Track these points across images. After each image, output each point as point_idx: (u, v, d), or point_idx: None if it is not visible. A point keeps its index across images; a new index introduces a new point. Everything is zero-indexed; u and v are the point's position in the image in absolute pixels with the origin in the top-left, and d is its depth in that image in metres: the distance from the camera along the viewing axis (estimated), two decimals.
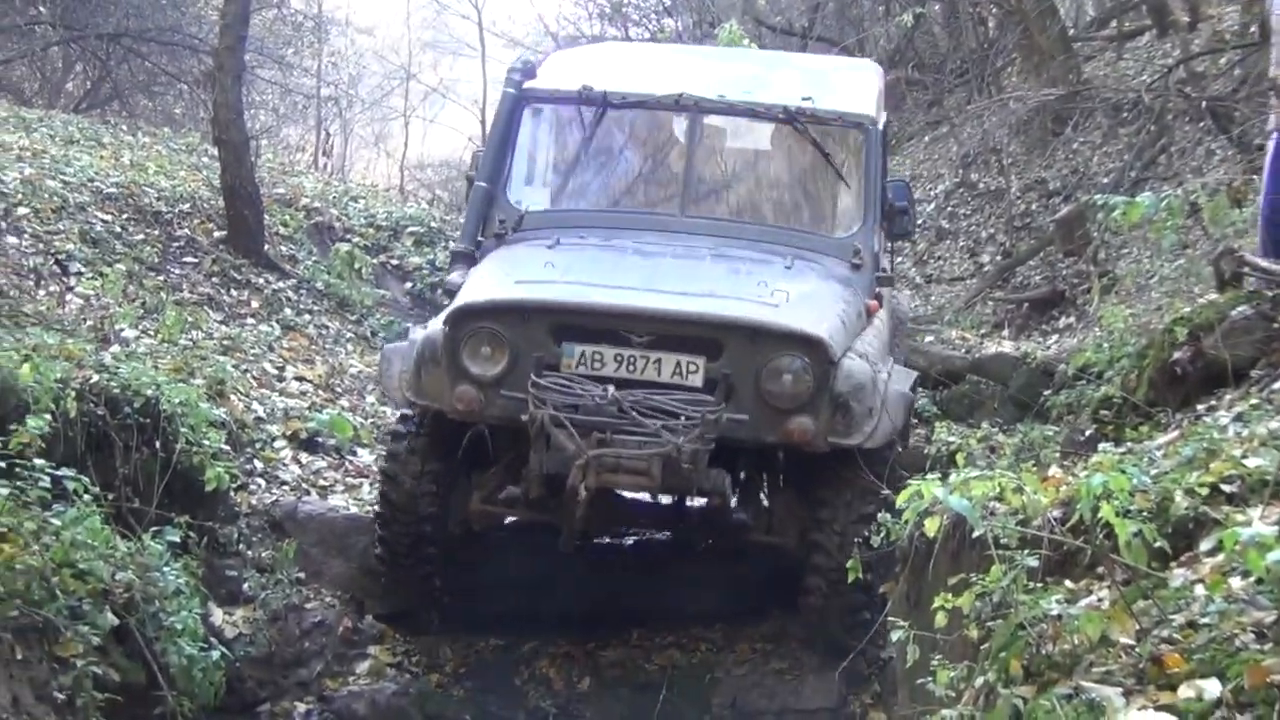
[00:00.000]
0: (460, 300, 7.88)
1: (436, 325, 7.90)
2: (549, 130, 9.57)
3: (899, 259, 17.40)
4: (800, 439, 7.52)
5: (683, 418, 7.32)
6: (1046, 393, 10.19)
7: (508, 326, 7.67)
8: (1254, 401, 6.60)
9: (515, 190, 9.17)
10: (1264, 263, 7.61)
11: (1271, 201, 8.09)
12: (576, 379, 7.49)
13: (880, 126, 9.25)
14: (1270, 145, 8.27)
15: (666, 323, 7.59)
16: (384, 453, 8.75)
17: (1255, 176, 10.99)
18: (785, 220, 9.27)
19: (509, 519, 8.66)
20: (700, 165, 9.16)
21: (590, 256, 8.43)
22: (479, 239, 8.92)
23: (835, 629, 7.80)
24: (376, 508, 8.53)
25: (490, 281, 8.10)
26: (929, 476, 5.14)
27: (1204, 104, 14.50)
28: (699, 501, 8.17)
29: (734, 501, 8.12)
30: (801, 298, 7.94)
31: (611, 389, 7.37)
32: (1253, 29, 14.71)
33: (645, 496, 8.27)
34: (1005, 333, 14.34)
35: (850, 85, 9.64)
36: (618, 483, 7.43)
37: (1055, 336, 13.44)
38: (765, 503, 8.53)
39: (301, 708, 8.37)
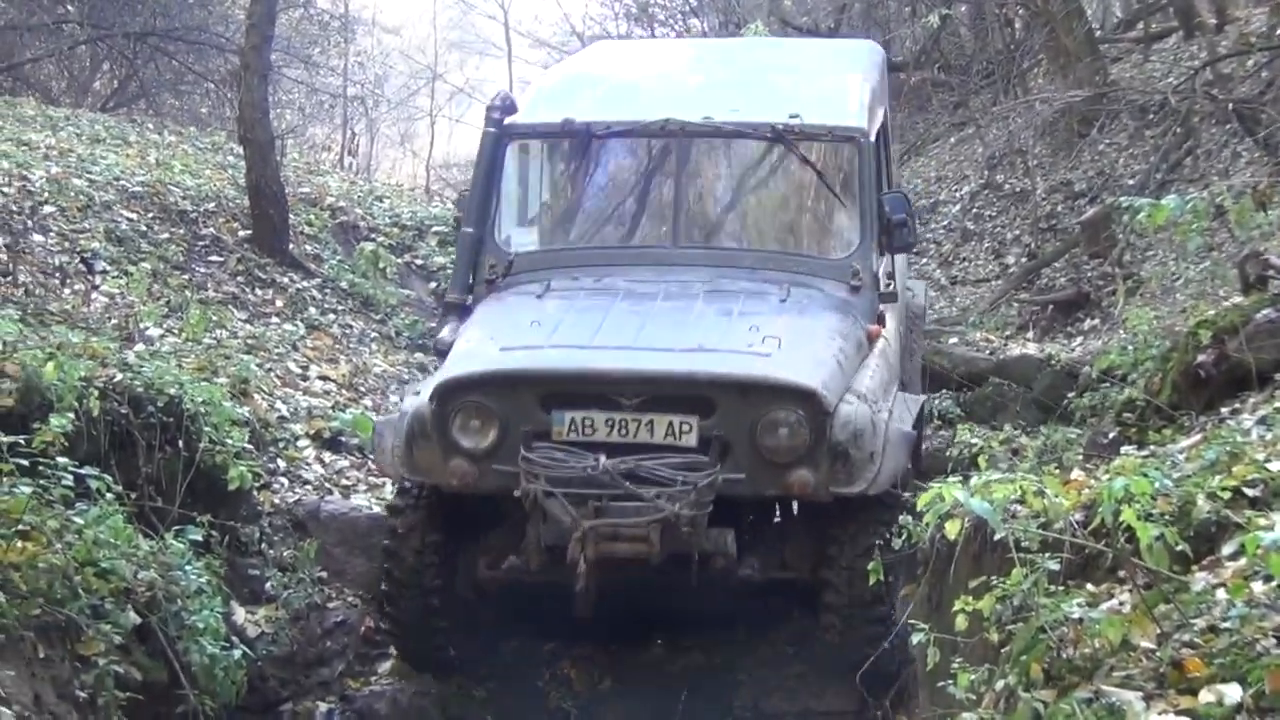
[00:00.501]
0: (446, 374, 7.71)
1: (424, 400, 7.68)
2: (534, 166, 9.43)
3: (923, 260, 17.42)
4: (801, 492, 7.35)
5: (678, 482, 7.14)
6: (1070, 395, 10.21)
7: (495, 398, 7.50)
8: (1278, 405, 6.59)
9: (505, 231, 8.99)
10: None
11: None
12: (567, 448, 7.28)
13: (873, 137, 8.93)
14: None
15: (655, 384, 7.39)
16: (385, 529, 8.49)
17: None
18: (780, 244, 9.11)
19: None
20: (690, 192, 8.96)
21: (579, 308, 8.16)
22: (470, 286, 8.75)
23: (856, 655, 7.67)
24: (382, 584, 8.27)
25: (476, 349, 7.90)
26: (951, 479, 5.13)
27: (1231, 106, 14.46)
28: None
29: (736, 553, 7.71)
30: (795, 341, 7.68)
31: (603, 459, 7.16)
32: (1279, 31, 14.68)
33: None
34: (1030, 335, 14.31)
35: (840, 92, 9.30)
36: (617, 551, 7.18)
37: (1080, 339, 13.42)
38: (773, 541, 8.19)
39: (323, 707, 8.37)
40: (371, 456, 9.49)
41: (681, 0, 28.71)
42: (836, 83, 9.54)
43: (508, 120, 8.96)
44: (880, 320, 8.54)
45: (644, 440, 7.28)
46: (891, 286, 8.81)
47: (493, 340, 7.83)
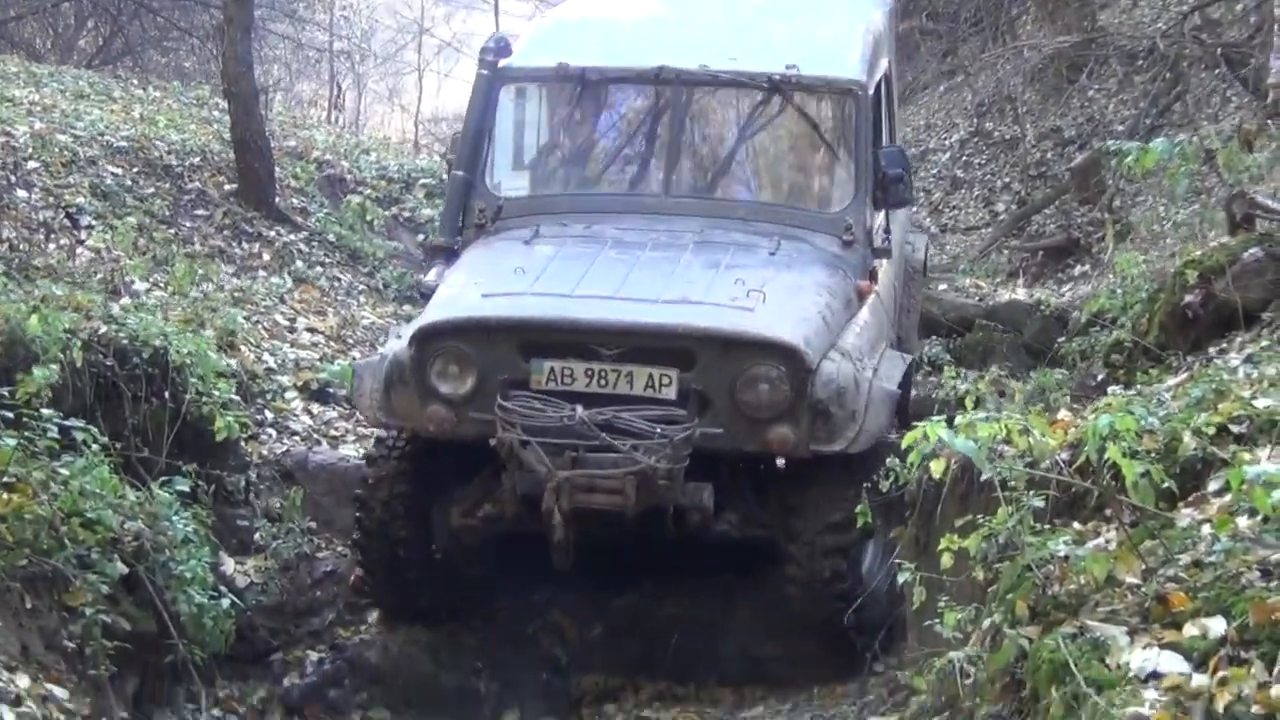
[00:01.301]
0: (424, 319, 7.67)
1: (403, 344, 7.62)
2: (527, 110, 9.28)
3: (913, 209, 17.35)
4: (780, 449, 7.30)
5: (656, 435, 7.07)
6: (1060, 340, 10.17)
7: (474, 345, 7.43)
8: (1265, 343, 6.60)
9: (496, 176, 8.87)
10: (1275, 204, 7.57)
11: None
12: (545, 397, 7.23)
13: (872, 90, 8.74)
14: None
15: (635, 335, 7.31)
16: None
17: (1270, 122, 10.96)
18: (773, 196, 8.98)
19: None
20: (683, 141, 8.82)
21: (565, 255, 8.10)
22: (459, 230, 8.68)
23: (820, 626, 7.61)
24: (354, 533, 8.23)
25: (457, 294, 7.84)
26: (935, 419, 5.13)
27: (1219, 50, 14.42)
28: None
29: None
30: (780, 296, 7.56)
31: (580, 409, 7.11)
32: None
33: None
34: (1020, 281, 14.30)
35: (841, 43, 9.10)
36: (592, 502, 7.11)
37: (1070, 284, 13.42)
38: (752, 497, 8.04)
39: (314, 656, 8.37)
40: (351, 402, 9.44)
41: None
42: (837, 33, 9.37)
43: (501, 63, 8.86)
44: (872, 276, 8.42)
45: (623, 391, 7.23)
46: (886, 242, 8.75)
47: (475, 286, 7.76)
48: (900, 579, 5.77)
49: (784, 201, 8.82)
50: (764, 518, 7.77)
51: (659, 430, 7.07)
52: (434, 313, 7.66)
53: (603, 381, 7.24)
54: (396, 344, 7.72)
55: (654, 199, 8.64)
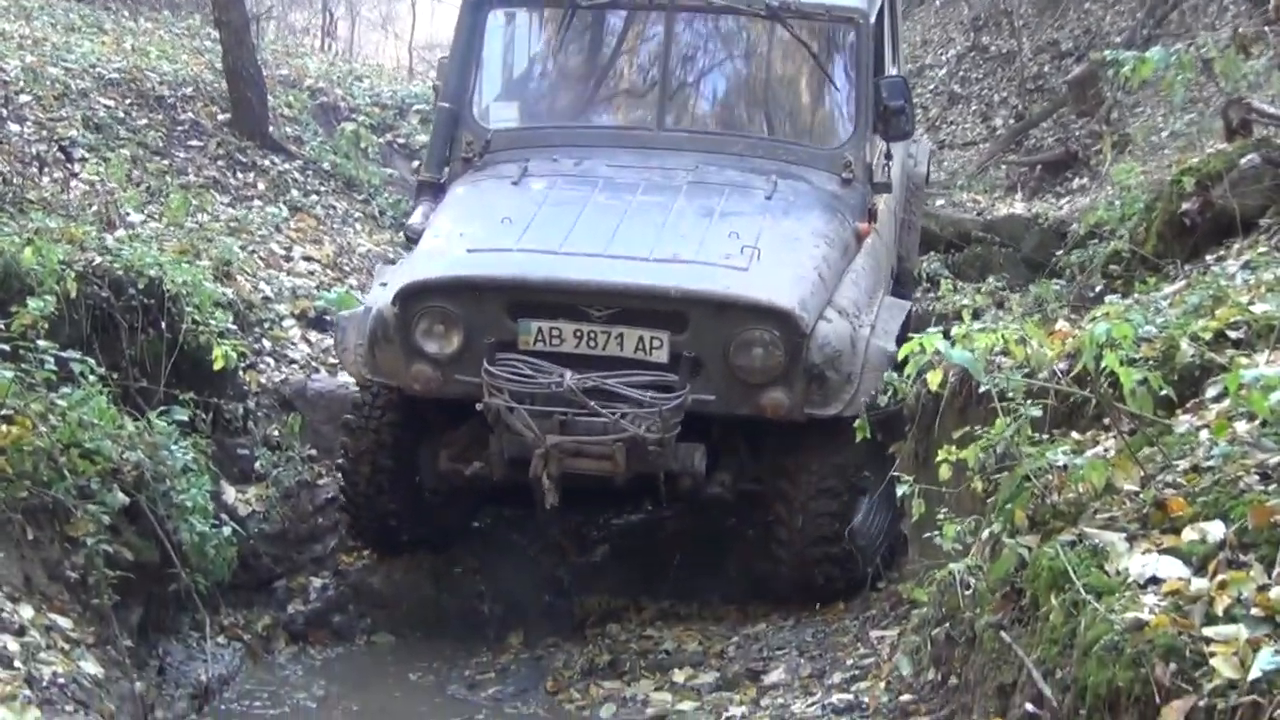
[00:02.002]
0: (410, 275, 7.42)
1: (387, 300, 7.40)
2: (516, 37, 8.99)
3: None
4: (774, 413, 7.08)
5: (646, 401, 6.93)
6: (1058, 252, 10.14)
7: (459, 304, 7.22)
8: (1262, 249, 6.59)
9: (483, 106, 8.62)
10: (1272, 109, 7.53)
11: None
12: (532, 360, 7.03)
13: (873, 17, 8.45)
14: None
15: (626, 297, 7.09)
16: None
17: (1268, 28, 10.86)
18: (770, 131, 8.69)
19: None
20: (677, 71, 8.63)
21: (554, 201, 7.79)
22: (446, 163, 8.45)
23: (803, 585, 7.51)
24: (339, 482, 8.17)
25: (443, 246, 7.59)
26: (932, 331, 5.11)
27: None
28: None
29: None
30: (775, 252, 7.29)
31: (568, 374, 6.93)
32: None
33: None
34: (1018, 195, 14.25)
35: None
36: (581, 468, 6.99)
37: (1068, 197, 13.37)
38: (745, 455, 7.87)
39: (316, 583, 8.40)
40: (335, 355, 9.10)
41: None
42: None
43: None
44: (872, 215, 8.21)
45: (613, 353, 7.07)
46: (886, 175, 8.51)
47: (461, 238, 7.55)
48: (899, 492, 5.79)
49: (781, 137, 8.57)
50: (757, 472, 7.67)
51: (649, 397, 6.94)
52: (419, 268, 7.46)
53: (592, 343, 7.06)
54: (381, 296, 7.51)
55: (647, 133, 8.38)
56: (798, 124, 8.74)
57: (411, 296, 7.24)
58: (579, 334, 7.05)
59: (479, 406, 7.10)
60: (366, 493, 7.87)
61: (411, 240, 8.08)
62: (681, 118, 8.54)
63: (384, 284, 7.70)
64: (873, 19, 8.41)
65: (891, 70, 9.06)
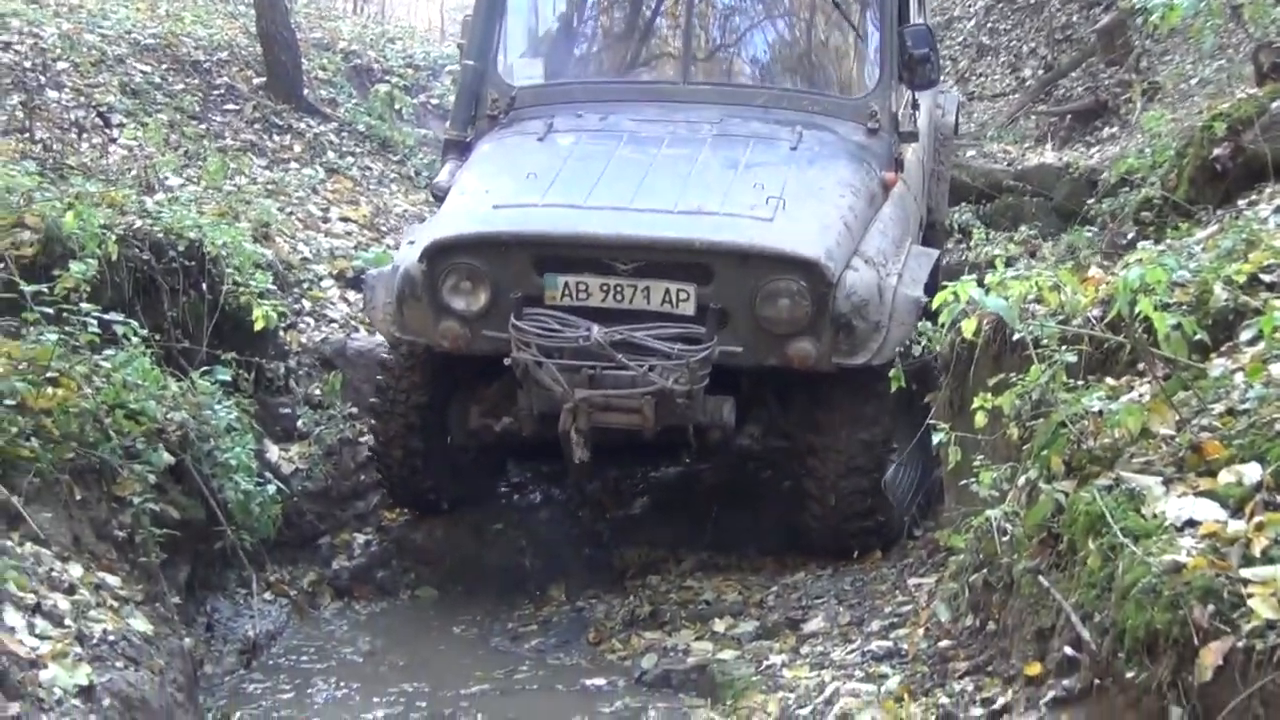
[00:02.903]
0: (436, 231, 7.36)
1: (414, 258, 7.37)
2: None
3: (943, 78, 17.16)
4: (802, 364, 7.01)
5: (674, 354, 6.89)
6: (1090, 201, 10.09)
7: (486, 260, 7.15)
8: None
9: (508, 63, 8.49)
10: None
11: None
12: (560, 315, 6.98)
13: None
14: None
15: (651, 250, 6.99)
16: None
17: None
18: (794, 81, 8.57)
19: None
20: (700, 23, 8.48)
21: (579, 155, 7.66)
22: (472, 120, 8.34)
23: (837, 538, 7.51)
24: (370, 441, 8.20)
25: (469, 204, 7.49)
26: (966, 279, 5.09)
27: None
28: None
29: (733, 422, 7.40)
30: (800, 202, 7.18)
31: (595, 328, 6.86)
32: None
33: None
34: (1048, 145, 14.15)
35: None
36: (610, 421, 6.97)
37: (1098, 146, 13.27)
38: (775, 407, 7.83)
39: (360, 539, 8.45)
40: (364, 314, 9.11)
41: None
42: None
43: None
44: (899, 164, 8.10)
45: (640, 307, 7.00)
46: (913, 124, 8.31)
47: (487, 194, 7.47)
48: (936, 440, 5.78)
49: (806, 87, 8.43)
50: (786, 425, 7.63)
51: (676, 349, 6.89)
52: (445, 225, 7.39)
53: (619, 297, 6.99)
54: (408, 255, 7.47)
55: (672, 86, 8.30)
56: (822, 75, 8.59)
57: (438, 254, 7.19)
58: (605, 288, 6.99)
59: (507, 362, 7.06)
60: (397, 452, 7.87)
61: (438, 198, 8.05)
62: (706, 71, 8.44)
63: (411, 242, 7.67)
64: None
65: (917, 19, 8.91)
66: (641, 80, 8.60)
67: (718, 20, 8.66)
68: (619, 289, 6.98)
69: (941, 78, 8.63)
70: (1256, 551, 3.69)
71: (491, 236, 7.18)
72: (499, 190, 7.50)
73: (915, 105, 8.42)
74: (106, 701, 5.26)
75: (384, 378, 7.91)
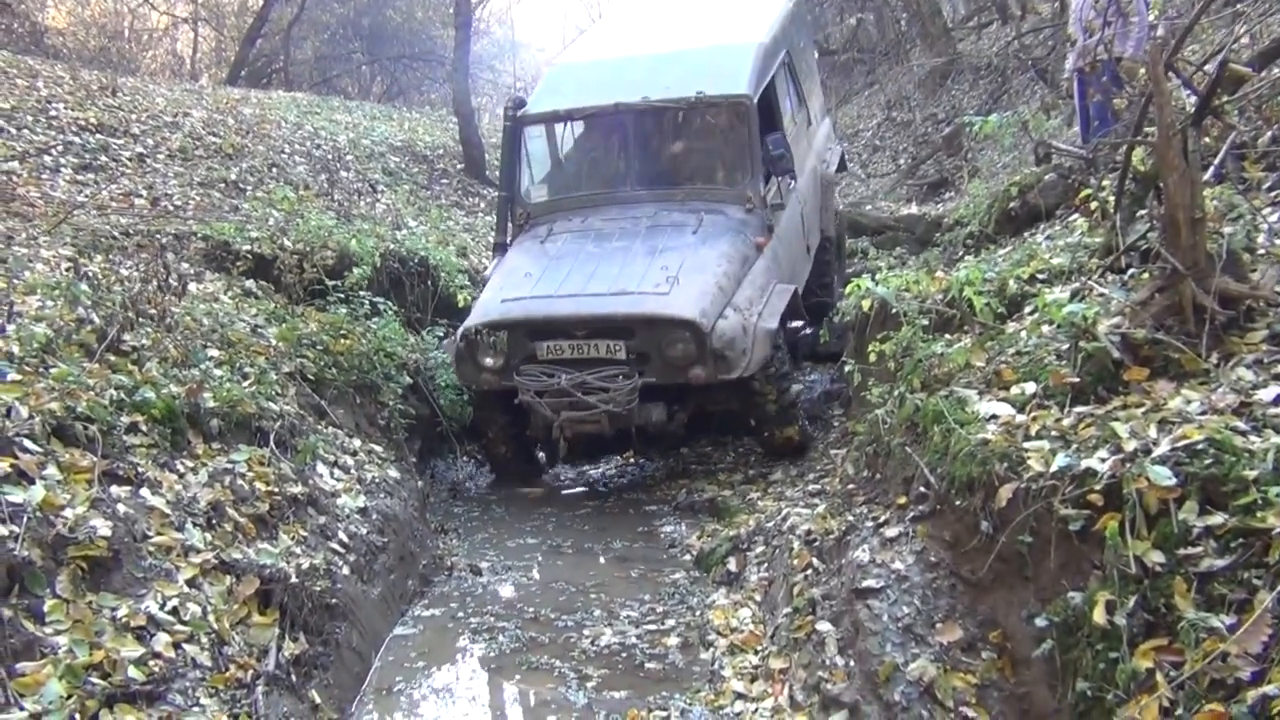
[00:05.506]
0: (470, 320, 6.78)
1: (458, 336, 6.83)
2: (540, 142, 8.09)
3: (851, 164, 16.81)
4: (697, 381, 6.41)
5: (613, 387, 6.38)
6: (937, 234, 9.91)
7: (499, 335, 6.64)
8: (1056, 228, 6.40)
9: (526, 187, 7.79)
10: (1063, 145, 7.30)
11: (1081, 108, 7.55)
12: (545, 366, 6.49)
13: (756, 99, 7.34)
14: (1074, 81, 7.68)
15: (595, 321, 6.43)
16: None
17: (1061, 101, 10.54)
18: (700, 181, 7.61)
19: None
20: (637, 150, 7.72)
21: (560, 254, 7.00)
22: (507, 229, 7.68)
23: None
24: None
25: (489, 299, 6.87)
26: (864, 277, 5.03)
27: (1030, 62, 13.84)
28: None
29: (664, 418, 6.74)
30: (689, 277, 6.51)
31: (563, 376, 6.40)
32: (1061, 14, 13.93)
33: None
34: (913, 203, 13.91)
35: (736, 67, 7.55)
36: (583, 429, 6.53)
37: (942, 203, 13.02)
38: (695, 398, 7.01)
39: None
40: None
41: None
42: (734, 58, 7.71)
43: (519, 113, 7.82)
44: (769, 230, 7.36)
45: (594, 356, 6.49)
46: (781, 198, 7.54)
47: (500, 291, 6.86)
48: (845, 369, 5.71)
49: (706, 184, 7.59)
50: (699, 411, 7.09)
51: (617, 381, 6.44)
52: (476, 315, 6.82)
53: (580, 351, 6.49)
54: (458, 333, 6.92)
55: (623, 192, 7.61)
56: (716, 175, 7.66)
57: (472, 333, 6.75)
58: (571, 346, 6.50)
59: (516, 401, 6.71)
60: (498, 456, 7.42)
61: (482, 284, 7.46)
62: (642, 180, 7.65)
63: (463, 323, 7.08)
64: (756, 99, 7.43)
65: (787, 121, 8.11)
66: (605, 190, 7.78)
67: (647, 146, 7.79)
68: (579, 346, 6.49)
69: (793, 171, 7.53)
70: (1032, 433, 3.64)
71: (500, 322, 6.68)
72: (507, 287, 6.91)
73: (792, 174, 7.69)
74: (375, 516, 5.32)
75: (475, 404, 7.33)
